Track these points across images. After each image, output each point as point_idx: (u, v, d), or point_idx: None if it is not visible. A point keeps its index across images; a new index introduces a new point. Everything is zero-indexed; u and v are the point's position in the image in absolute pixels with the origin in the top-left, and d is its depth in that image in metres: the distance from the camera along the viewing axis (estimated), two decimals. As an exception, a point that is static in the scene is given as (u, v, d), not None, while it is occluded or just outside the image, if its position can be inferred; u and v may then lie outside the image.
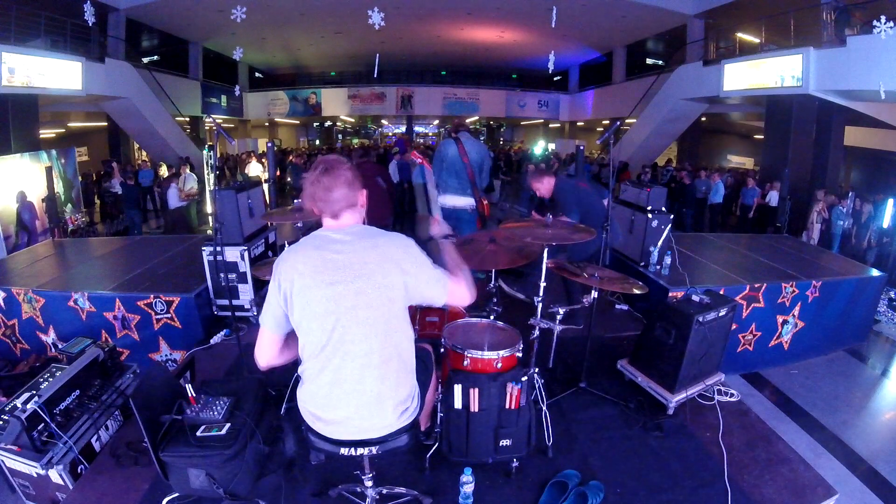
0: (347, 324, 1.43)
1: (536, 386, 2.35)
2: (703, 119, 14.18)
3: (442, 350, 2.26)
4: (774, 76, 8.73)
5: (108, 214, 10.43)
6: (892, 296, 5.09)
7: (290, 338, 1.55)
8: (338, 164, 1.51)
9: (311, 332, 1.46)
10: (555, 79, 20.18)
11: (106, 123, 12.91)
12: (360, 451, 1.55)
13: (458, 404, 2.15)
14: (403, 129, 23.17)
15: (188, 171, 9.72)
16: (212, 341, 3.48)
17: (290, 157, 15.06)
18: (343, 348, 1.44)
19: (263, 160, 12.73)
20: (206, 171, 10.89)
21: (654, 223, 4.01)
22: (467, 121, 4.26)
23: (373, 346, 1.45)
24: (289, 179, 12.47)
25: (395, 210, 9.74)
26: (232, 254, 3.78)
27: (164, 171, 10.63)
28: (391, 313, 1.46)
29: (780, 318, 3.78)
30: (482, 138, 22.40)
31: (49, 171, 7.79)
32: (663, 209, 4.17)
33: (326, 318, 1.43)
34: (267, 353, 1.55)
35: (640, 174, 11.57)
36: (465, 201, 4.04)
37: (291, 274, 1.45)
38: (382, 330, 1.45)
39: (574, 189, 3.51)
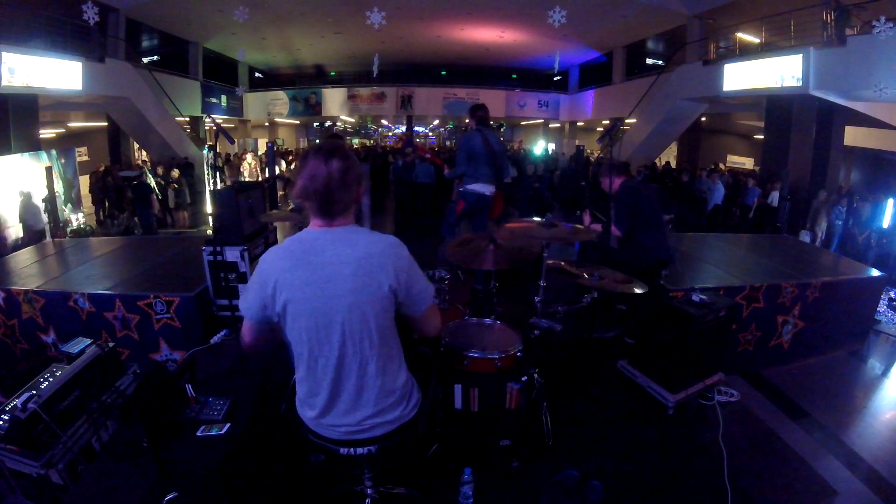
0: (336, 329, 1.42)
1: (536, 386, 2.35)
2: (703, 119, 14.17)
3: (442, 350, 2.26)
4: (774, 76, 8.73)
5: (111, 214, 10.43)
6: (892, 296, 5.08)
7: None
8: (343, 153, 1.42)
9: (300, 337, 1.45)
10: (555, 79, 20.17)
11: (106, 123, 12.91)
12: (359, 450, 1.55)
13: (458, 404, 2.16)
14: (403, 128, 23.17)
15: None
16: (212, 341, 3.46)
17: (291, 158, 15.07)
18: (335, 352, 1.44)
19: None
20: (206, 171, 10.92)
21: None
22: (466, 121, 4.33)
23: (364, 350, 1.44)
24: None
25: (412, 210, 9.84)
26: (232, 254, 3.78)
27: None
28: (380, 317, 1.43)
29: (780, 318, 3.77)
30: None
31: (49, 171, 7.80)
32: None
33: (315, 328, 1.42)
34: (249, 339, 1.53)
35: (635, 175, 11.56)
36: (490, 189, 4.27)
37: (275, 279, 1.40)
38: (372, 333, 1.44)
39: (634, 202, 3.43)
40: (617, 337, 3.48)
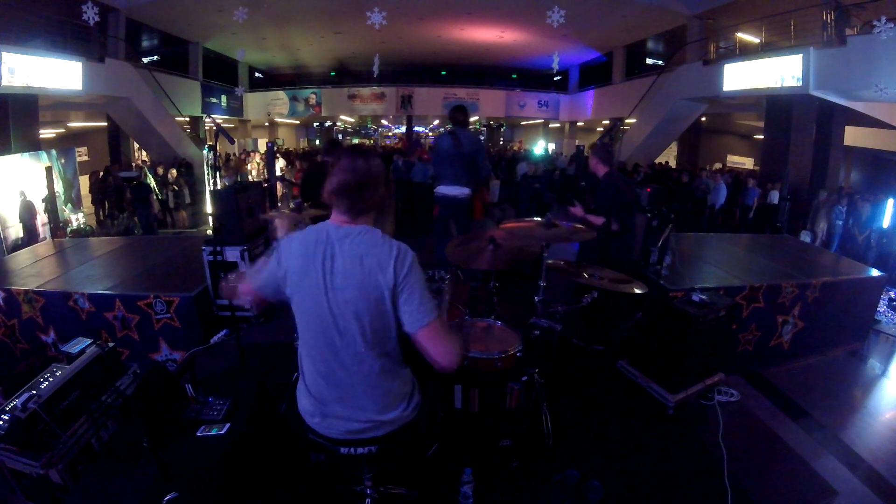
0: (332, 323, 1.44)
1: (536, 386, 2.35)
2: (703, 119, 14.17)
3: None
4: (774, 76, 8.73)
5: (111, 214, 10.42)
6: (892, 296, 5.07)
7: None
8: (373, 153, 1.52)
9: (303, 328, 1.50)
10: (554, 79, 20.16)
11: (106, 123, 12.91)
12: (359, 450, 1.55)
13: (458, 404, 2.16)
14: (403, 129, 23.16)
15: None
16: (212, 341, 3.46)
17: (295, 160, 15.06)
18: (330, 346, 1.46)
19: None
20: (206, 171, 10.93)
21: (654, 223, 4.01)
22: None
23: (358, 347, 1.45)
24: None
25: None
26: (232, 254, 3.78)
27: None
28: (376, 316, 1.44)
29: (780, 318, 3.77)
30: (482, 138, 22.40)
31: (49, 171, 7.80)
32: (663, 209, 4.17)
33: (317, 318, 1.45)
34: (242, 296, 1.63)
35: (633, 173, 11.57)
36: (460, 190, 4.26)
37: (286, 266, 1.48)
38: (366, 331, 1.44)
39: (612, 193, 3.54)
40: (615, 337, 3.48)
